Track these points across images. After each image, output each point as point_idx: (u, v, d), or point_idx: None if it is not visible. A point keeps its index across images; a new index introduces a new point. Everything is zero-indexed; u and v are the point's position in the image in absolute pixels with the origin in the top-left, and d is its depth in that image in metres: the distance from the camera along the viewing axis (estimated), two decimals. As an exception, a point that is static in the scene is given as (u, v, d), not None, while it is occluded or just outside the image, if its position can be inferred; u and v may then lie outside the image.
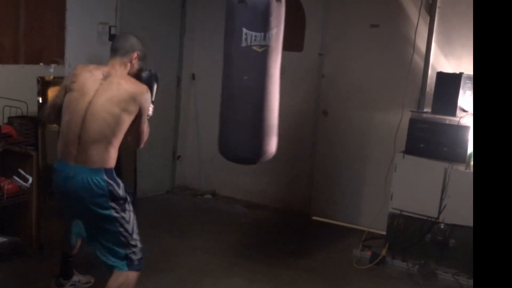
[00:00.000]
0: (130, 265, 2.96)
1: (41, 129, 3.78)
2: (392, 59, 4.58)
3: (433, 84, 4.07)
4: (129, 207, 2.93)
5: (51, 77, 4.07)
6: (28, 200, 3.73)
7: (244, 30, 2.85)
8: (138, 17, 4.95)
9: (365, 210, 4.65)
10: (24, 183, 3.65)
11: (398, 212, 4.03)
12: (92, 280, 3.51)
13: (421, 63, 4.44)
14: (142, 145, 3.04)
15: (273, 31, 2.89)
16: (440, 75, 4.03)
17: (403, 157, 4.02)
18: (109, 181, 2.82)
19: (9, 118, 3.83)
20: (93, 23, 4.52)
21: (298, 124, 5.06)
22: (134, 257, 2.96)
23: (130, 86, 2.86)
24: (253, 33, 2.86)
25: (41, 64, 4.15)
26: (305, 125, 5.05)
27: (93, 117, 2.79)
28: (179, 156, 5.65)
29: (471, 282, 3.71)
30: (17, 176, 3.65)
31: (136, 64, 2.96)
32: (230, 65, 2.97)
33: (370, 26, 4.67)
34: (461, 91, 3.90)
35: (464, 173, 3.80)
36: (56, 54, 4.27)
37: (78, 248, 3.36)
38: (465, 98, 3.94)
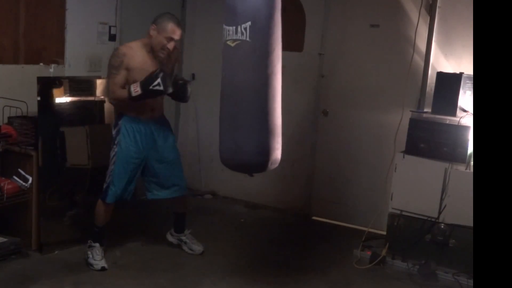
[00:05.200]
0: (101, 194, 3.64)
1: (41, 129, 3.78)
2: (392, 59, 4.58)
3: (433, 84, 4.07)
4: (114, 148, 3.58)
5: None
6: (28, 200, 3.73)
7: (224, 26, 2.76)
8: (138, 17, 4.94)
9: (365, 210, 4.65)
10: (24, 183, 3.65)
11: (398, 212, 4.03)
12: (198, 253, 3.98)
13: (421, 63, 4.44)
14: (109, 101, 3.75)
15: (246, 24, 2.69)
16: (440, 75, 4.02)
17: (403, 157, 4.02)
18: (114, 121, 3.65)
19: (9, 118, 3.83)
20: (93, 23, 4.52)
21: (298, 124, 5.06)
22: (104, 188, 3.61)
23: None
24: (227, 28, 2.74)
25: (41, 64, 4.15)
26: (305, 125, 5.05)
27: None
28: (179, 156, 5.65)
29: (471, 282, 3.71)
30: (17, 176, 3.65)
31: (154, 36, 3.49)
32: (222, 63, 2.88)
33: (370, 26, 4.67)
34: (461, 91, 3.90)
35: (464, 173, 3.80)
36: (56, 54, 4.26)
37: (179, 205, 4.00)
38: (465, 98, 3.94)
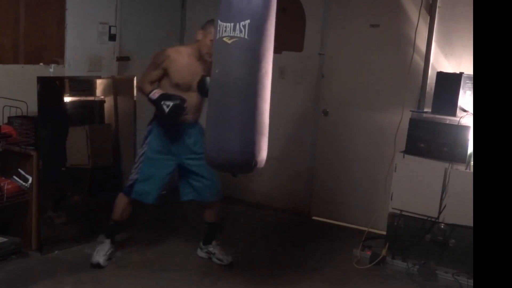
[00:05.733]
0: (125, 188, 3.72)
1: (41, 129, 3.77)
2: (392, 59, 4.59)
3: (433, 84, 4.07)
4: (144, 147, 3.66)
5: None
6: (28, 200, 3.73)
7: (219, 21, 2.73)
8: (138, 17, 4.95)
9: (365, 210, 4.65)
10: (24, 183, 3.65)
11: (398, 212, 4.03)
12: (226, 262, 3.85)
13: (421, 63, 4.44)
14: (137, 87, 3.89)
15: (245, 22, 2.66)
16: (440, 75, 4.03)
17: (403, 157, 4.02)
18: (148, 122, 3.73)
19: (9, 118, 3.83)
20: (93, 23, 4.52)
21: (298, 124, 5.06)
22: (129, 184, 3.68)
23: None
24: (224, 24, 2.71)
25: (41, 64, 4.15)
26: (305, 125, 5.05)
27: None
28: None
29: (471, 282, 3.71)
30: (17, 176, 3.65)
31: (202, 40, 3.56)
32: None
33: (370, 26, 4.67)
34: (461, 91, 3.90)
35: (464, 173, 3.80)
36: (56, 54, 4.26)
37: (211, 214, 3.93)
38: (465, 98, 3.94)
